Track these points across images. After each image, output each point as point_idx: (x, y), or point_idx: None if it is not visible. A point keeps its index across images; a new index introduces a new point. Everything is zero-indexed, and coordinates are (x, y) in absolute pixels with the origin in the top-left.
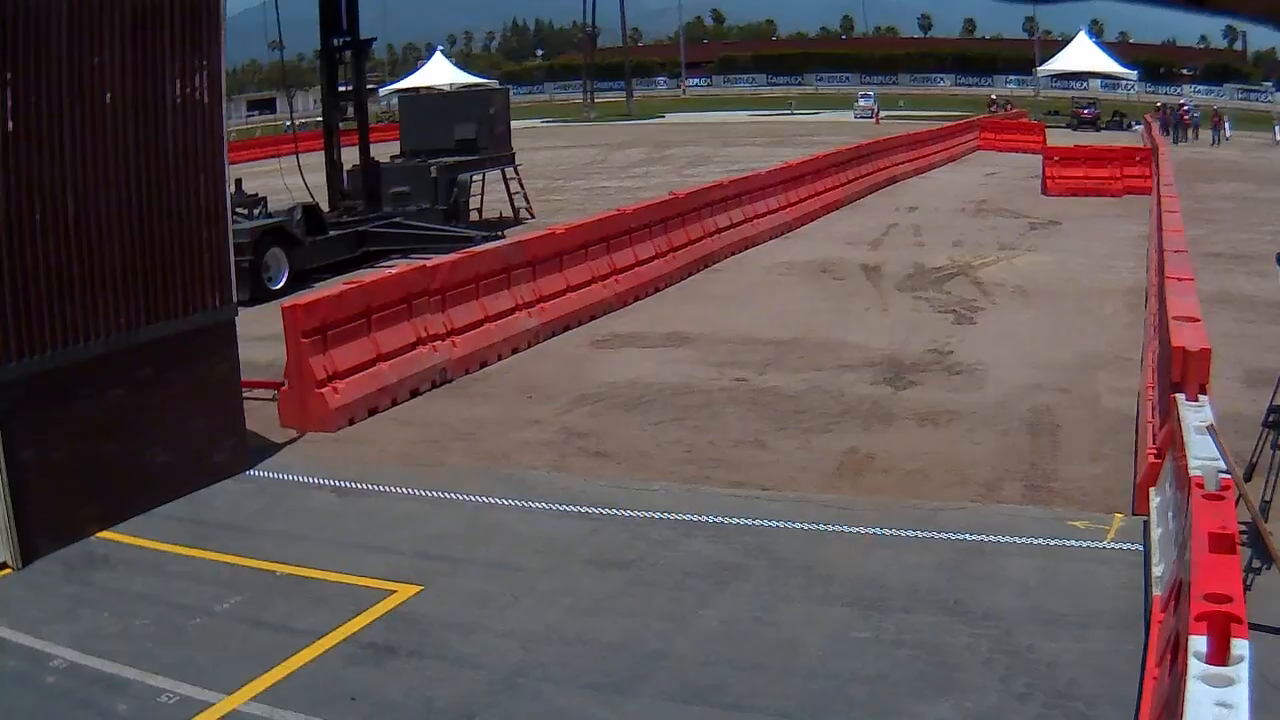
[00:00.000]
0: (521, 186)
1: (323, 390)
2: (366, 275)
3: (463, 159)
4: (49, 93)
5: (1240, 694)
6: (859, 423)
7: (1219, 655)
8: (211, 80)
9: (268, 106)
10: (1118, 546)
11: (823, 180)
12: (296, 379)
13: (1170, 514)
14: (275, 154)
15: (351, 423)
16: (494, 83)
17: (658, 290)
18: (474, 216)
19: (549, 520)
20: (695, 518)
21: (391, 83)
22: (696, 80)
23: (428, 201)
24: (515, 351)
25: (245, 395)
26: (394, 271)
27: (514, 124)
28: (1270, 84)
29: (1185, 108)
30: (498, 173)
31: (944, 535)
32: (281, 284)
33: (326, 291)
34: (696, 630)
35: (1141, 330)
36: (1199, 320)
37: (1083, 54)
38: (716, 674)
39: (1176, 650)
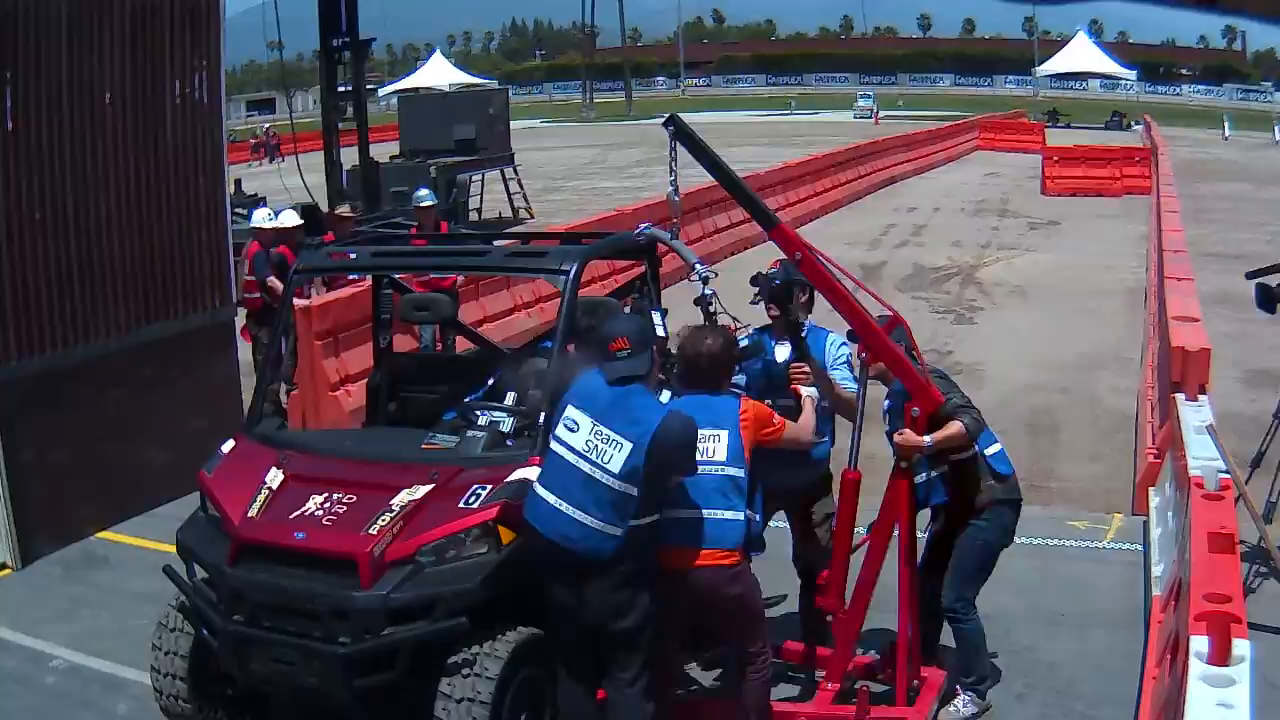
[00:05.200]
0: (520, 187)
1: (336, 394)
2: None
3: (461, 159)
4: (49, 93)
5: (1241, 694)
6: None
7: (1220, 655)
8: (211, 80)
9: (267, 106)
10: (1117, 546)
11: (822, 180)
12: (309, 382)
13: (1170, 514)
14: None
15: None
16: (493, 83)
17: None
18: (473, 217)
19: None
20: None
21: (391, 82)
22: (696, 81)
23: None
24: None
25: None
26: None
27: (513, 124)
28: (1270, 84)
29: None
30: (497, 173)
31: None
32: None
33: (338, 294)
34: None
35: (1141, 330)
36: (1199, 320)
37: (1082, 54)
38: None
39: (1176, 650)
